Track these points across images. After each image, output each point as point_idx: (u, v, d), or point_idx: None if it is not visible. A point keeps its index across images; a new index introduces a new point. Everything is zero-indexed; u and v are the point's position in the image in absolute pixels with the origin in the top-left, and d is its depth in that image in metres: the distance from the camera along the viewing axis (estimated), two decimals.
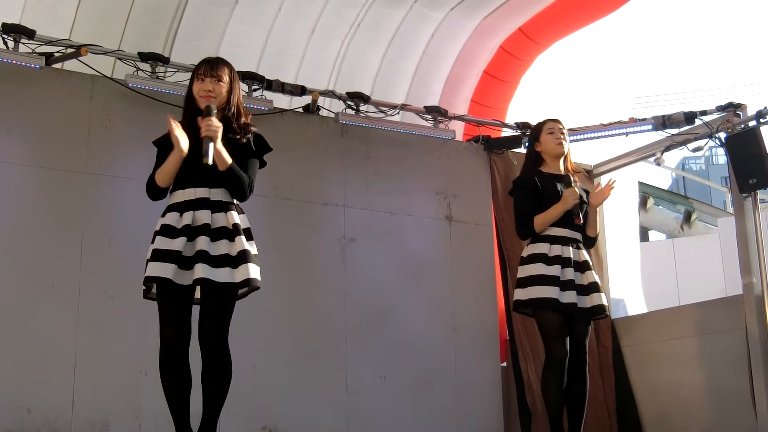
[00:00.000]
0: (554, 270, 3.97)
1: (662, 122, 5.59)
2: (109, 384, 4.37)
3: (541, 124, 4.26)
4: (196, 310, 3.20)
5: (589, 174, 6.25)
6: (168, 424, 3.18)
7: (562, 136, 4.17)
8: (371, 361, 5.18)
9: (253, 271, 3.15)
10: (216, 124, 3.13)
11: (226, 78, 3.30)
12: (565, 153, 4.21)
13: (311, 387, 4.95)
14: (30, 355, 4.23)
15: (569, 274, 3.99)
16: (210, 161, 3.09)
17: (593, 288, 4.04)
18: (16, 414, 4.16)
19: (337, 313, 5.15)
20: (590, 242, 4.21)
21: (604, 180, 6.25)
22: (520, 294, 4.06)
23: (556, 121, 4.24)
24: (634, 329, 5.80)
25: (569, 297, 3.95)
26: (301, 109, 5.35)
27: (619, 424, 5.61)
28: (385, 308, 5.30)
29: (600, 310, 4.03)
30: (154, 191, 3.28)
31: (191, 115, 3.29)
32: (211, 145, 3.10)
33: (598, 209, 4.20)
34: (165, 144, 3.27)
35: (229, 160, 3.18)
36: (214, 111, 3.16)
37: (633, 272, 7.13)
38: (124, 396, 4.40)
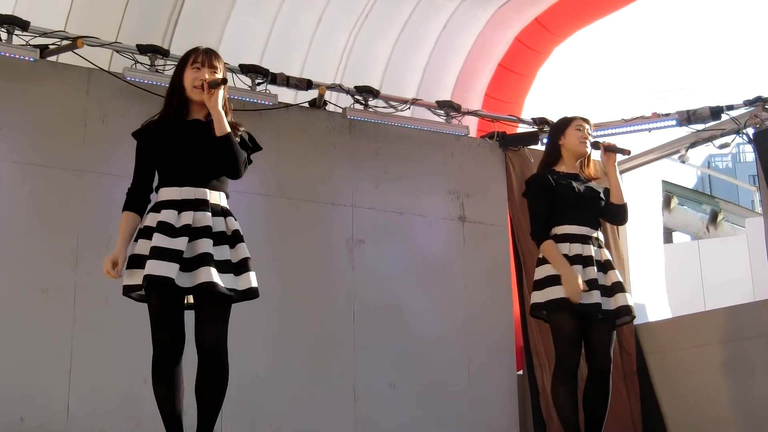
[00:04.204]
0: (574, 270, 3.80)
1: (687, 117, 5.53)
2: (105, 391, 4.33)
3: (569, 119, 4.14)
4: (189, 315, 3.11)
5: None
6: None
7: (588, 137, 4.08)
8: (380, 368, 5.12)
9: (254, 280, 3.09)
10: None
11: (220, 74, 3.18)
12: (586, 155, 4.10)
13: (317, 394, 4.90)
14: (24, 362, 4.19)
15: (591, 273, 3.82)
16: None
17: (618, 288, 3.88)
18: (9, 422, 4.11)
19: (345, 318, 5.10)
20: (620, 212, 4.01)
21: (625, 176, 6.12)
22: (537, 296, 3.90)
23: (586, 120, 4.14)
24: (658, 335, 5.72)
25: (593, 297, 3.77)
26: (307, 104, 5.33)
27: None
28: (394, 313, 5.24)
29: (626, 311, 3.85)
30: None
31: (178, 106, 3.18)
32: None
33: (614, 175, 4.01)
34: (146, 136, 3.18)
35: (228, 129, 3.09)
36: None
37: (656, 275, 7.06)
38: (121, 403, 4.35)
